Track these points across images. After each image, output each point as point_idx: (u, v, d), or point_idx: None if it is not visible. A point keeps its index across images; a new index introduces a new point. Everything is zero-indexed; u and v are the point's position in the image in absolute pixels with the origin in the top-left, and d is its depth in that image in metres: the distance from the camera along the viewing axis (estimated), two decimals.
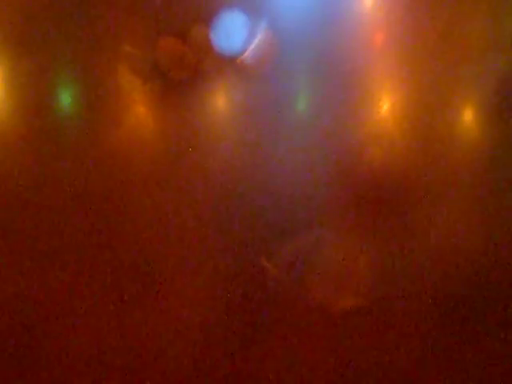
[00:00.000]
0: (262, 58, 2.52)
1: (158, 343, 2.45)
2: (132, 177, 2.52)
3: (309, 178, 2.52)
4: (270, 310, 2.46)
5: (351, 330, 2.45)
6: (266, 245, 2.48)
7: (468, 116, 2.63)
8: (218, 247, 2.49)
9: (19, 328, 2.42)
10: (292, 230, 2.49)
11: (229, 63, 2.52)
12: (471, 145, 2.62)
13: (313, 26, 2.54)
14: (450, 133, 2.61)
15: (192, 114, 2.54)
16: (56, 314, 2.44)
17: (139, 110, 2.60)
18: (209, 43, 2.49)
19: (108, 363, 2.44)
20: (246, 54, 2.51)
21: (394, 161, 2.56)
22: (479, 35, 2.61)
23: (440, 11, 2.60)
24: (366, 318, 2.45)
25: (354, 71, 2.57)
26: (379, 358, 2.44)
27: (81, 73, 2.58)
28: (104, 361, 2.44)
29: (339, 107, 2.55)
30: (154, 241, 2.49)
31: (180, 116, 2.55)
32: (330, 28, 2.54)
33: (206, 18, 2.48)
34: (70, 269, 2.46)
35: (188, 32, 2.53)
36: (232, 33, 2.49)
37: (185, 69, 2.55)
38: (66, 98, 2.57)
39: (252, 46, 2.51)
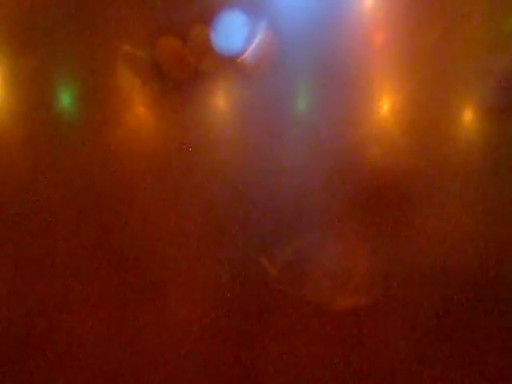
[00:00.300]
0: (261, 58, 2.52)
1: (159, 343, 2.45)
2: (132, 176, 2.52)
3: (309, 177, 2.52)
4: (270, 309, 2.46)
5: (351, 330, 2.45)
6: (266, 245, 2.48)
7: (468, 116, 2.63)
8: (218, 247, 2.49)
9: (19, 328, 2.42)
10: (292, 230, 2.49)
11: (229, 63, 2.52)
12: (471, 144, 2.62)
13: (313, 26, 2.54)
14: (449, 133, 2.61)
15: (192, 114, 2.54)
16: (56, 315, 2.44)
17: (139, 110, 2.60)
18: (209, 43, 2.49)
19: (108, 363, 2.43)
20: (246, 53, 2.51)
21: (394, 161, 2.56)
22: (479, 35, 2.61)
23: (440, 12, 2.60)
24: (366, 318, 2.45)
25: (353, 71, 2.57)
26: (379, 357, 2.44)
27: (81, 73, 2.58)
28: (104, 361, 2.43)
29: (339, 107, 2.55)
30: (153, 240, 2.49)
31: (180, 116, 2.55)
32: (329, 28, 2.54)
33: (206, 17, 2.48)
34: (70, 269, 2.46)
35: (188, 32, 2.53)
36: (232, 33, 2.49)
37: (185, 69, 2.55)
38: (65, 98, 2.57)
39: (252, 46, 2.51)
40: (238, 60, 2.52)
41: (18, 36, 2.55)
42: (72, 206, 2.48)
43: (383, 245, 2.49)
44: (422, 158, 2.55)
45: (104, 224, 2.49)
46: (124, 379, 2.45)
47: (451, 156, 2.57)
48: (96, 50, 2.54)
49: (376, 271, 2.48)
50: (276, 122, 2.55)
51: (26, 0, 2.57)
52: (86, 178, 2.49)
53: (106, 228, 2.49)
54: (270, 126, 2.54)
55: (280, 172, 2.51)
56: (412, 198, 2.52)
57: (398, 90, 2.61)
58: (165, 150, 2.55)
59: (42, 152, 2.51)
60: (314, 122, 2.60)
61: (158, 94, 2.56)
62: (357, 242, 2.50)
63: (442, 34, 2.57)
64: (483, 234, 2.51)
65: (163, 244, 2.50)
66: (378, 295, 2.47)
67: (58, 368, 2.43)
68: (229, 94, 2.60)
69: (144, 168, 2.53)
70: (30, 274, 2.44)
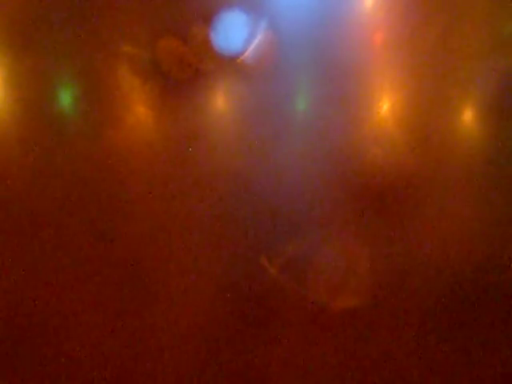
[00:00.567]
0: (261, 58, 2.52)
1: (159, 343, 2.44)
2: (132, 176, 2.52)
3: (309, 177, 2.52)
4: (270, 309, 2.46)
5: (351, 330, 2.45)
6: (266, 245, 2.48)
7: (467, 116, 2.63)
8: (218, 247, 2.49)
9: (18, 328, 2.42)
10: (292, 229, 2.49)
11: (229, 63, 2.52)
12: (471, 144, 2.62)
13: (313, 26, 2.54)
14: (449, 133, 2.61)
15: (192, 114, 2.54)
16: (55, 315, 2.44)
17: (139, 110, 2.60)
18: (209, 43, 2.49)
19: (108, 364, 2.43)
20: (246, 53, 2.51)
21: (394, 160, 2.56)
22: (478, 36, 2.61)
23: (439, 12, 2.60)
24: (366, 318, 2.45)
25: (353, 71, 2.57)
26: (379, 357, 2.44)
27: (81, 73, 2.58)
28: (104, 361, 2.43)
29: (339, 107, 2.55)
30: (153, 240, 2.49)
31: (180, 116, 2.55)
32: (329, 28, 2.54)
33: (206, 17, 2.48)
34: (70, 269, 2.46)
35: (188, 32, 2.53)
36: (232, 33, 2.49)
37: (185, 69, 2.55)
38: (66, 98, 2.57)
39: (252, 46, 2.51)
40: (238, 60, 2.52)
41: (17, 36, 2.55)
42: (72, 205, 2.48)
43: (383, 245, 2.49)
44: (422, 157, 2.55)
45: (104, 224, 2.49)
46: (124, 379, 2.44)
47: (451, 156, 2.57)
48: (96, 50, 2.54)
49: (376, 271, 2.47)
50: (276, 121, 2.54)
51: (26, 0, 2.58)
52: (86, 178, 2.49)
53: (106, 228, 2.49)
54: (270, 126, 2.54)
55: (280, 172, 2.51)
56: (412, 197, 2.52)
57: (398, 89, 2.61)
58: (165, 150, 2.55)
59: (41, 152, 2.51)
60: (313, 122, 2.60)
61: (158, 94, 2.56)
62: (357, 241, 2.50)
63: (442, 34, 2.57)
64: (483, 235, 2.51)
65: (163, 244, 2.50)
66: (377, 295, 2.46)
67: (58, 368, 2.43)
68: (229, 93, 2.60)
69: (144, 168, 2.53)
70: (30, 274, 2.44)
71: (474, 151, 2.60)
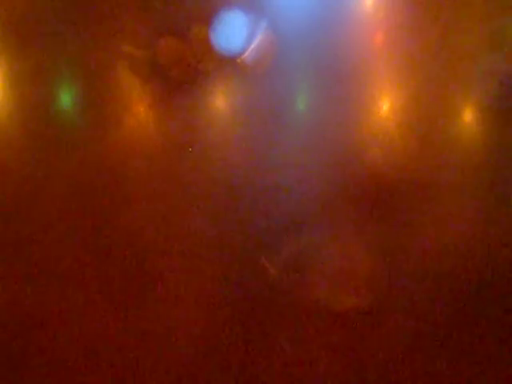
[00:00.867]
0: (261, 58, 2.53)
1: (159, 344, 2.44)
2: (132, 176, 2.52)
3: (309, 177, 2.52)
4: (271, 309, 2.46)
5: (351, 330, 2.45)
6: (266, 245, 2.48)
7: (467, 116, 2.63)
8: (218, 247, 2.49)
9: (17, 328, 2.42)
10: (292, 229, 2.49)
11: (229, 63, 2.52)
12: (470, 145, 2.63)
13: (313, 26, 2.54)
14: (449, 133, 2.61)
15: (192, 114, 2.54)
16: (55, 315, 2.44)
17: (139, 110, 2.60)
18: (209, 43, 2.50)
19: (108, 364, 2.43)
20: (246, 53, 2.51)
21: (394, 160, 2.56)
22: (478, 36, 2.62)
23: (439, 13, 2.60)
24: (366, 318, 2.45)
25: (353, 71, 2.57)
26: (379, 357, 2.43)
27: (81, 73, 2.59)
28: (104, 362, 2.43)
29: (339, 107, 2.55)
30: (153, 240, 2.49)
31: (180, 116, 2.55)
32: (330, 28, 2.55)
33: (206, 17, 2.48)
34: (70, 269, 2.46)
35: (188, 32, 2.54)
36: (232, 33, 2.49)
37: (185, 69, 2.55)
38: (66, 98, 2.57)
39: (252, 46, 2.51)
40: (238, 60, 2.52)
41: (17, 36, 2.55)
42: (72, 205, 2.48)
43: (383, 245, 2.49)
44: (422, 157, 2.55)
45: (104, 224, 2.49)
46: (124, 379, 2.44)
47: (451, 156, 2.57)
48: (96, 50, 2.55)
49: (376, 271, 2.47)
50: (276, 121, 2.55)
51: (26, 0, 2.58)
52: (85, 178, 2.49)
53: (106, 228, 2.49)
54: (270, 126, 2.54)
55: (280, 172, 2.51)
56: (412, 197, 2.52)
57: (398, 89, 2.61)
58: (165, 150, 2.56)
59: (42, 152, 2.51)
60: (313, 122, 2.60)
61: (158, 94, 2.57)
62: (357, 241, 2.50)
63: (442, 34, 2.58)
64: (483, 235, 2.51)
65: (163, 244, 2.50)
66: (378, 295, 2.46)
67: (58, 368, 2.43)
68: (228, 93, 2.60)
69: (144, 168, 2.53)
70: (29, 273, 2.44)
71: (473, 150, 2.60)
